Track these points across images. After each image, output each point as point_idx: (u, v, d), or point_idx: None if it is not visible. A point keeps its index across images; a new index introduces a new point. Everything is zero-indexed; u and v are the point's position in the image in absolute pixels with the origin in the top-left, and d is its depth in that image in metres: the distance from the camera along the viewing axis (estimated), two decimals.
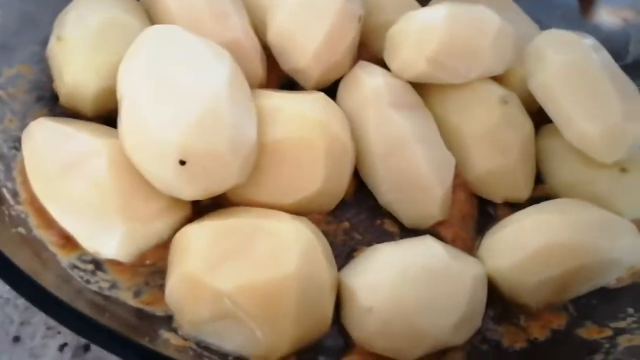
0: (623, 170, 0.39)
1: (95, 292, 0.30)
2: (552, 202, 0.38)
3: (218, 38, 0.37)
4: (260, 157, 0.34)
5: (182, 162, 0.30)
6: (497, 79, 0.42)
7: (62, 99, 0.37)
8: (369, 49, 0.44)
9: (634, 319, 0.35)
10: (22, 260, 0.27)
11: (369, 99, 0.38)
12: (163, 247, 0.33)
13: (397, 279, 0.32)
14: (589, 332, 0.36)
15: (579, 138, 0.39)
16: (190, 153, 0.29)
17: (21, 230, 0.30)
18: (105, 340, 0.25)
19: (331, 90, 0.40)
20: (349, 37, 0.40)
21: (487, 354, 0.35)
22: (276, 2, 0.40)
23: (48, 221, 0.32)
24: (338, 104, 0.39)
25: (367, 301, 0.32)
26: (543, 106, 0.40)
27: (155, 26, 0.35)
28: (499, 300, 0.36)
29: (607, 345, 0.34)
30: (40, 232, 0.31)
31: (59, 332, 0.33)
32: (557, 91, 0.39)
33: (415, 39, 0.39)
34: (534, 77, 0.41)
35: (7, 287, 0.33)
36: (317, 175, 0.34)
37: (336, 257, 0.34)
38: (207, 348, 0.30)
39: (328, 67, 0.40)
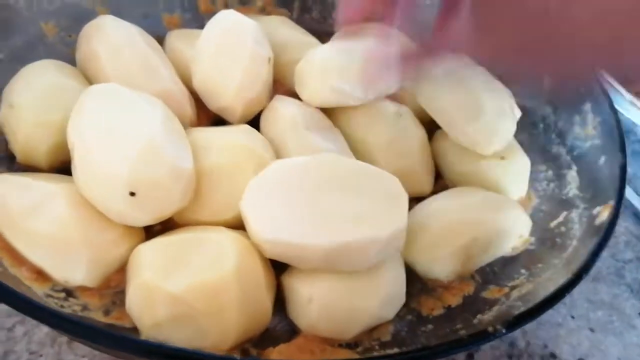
0: (502, 158, 0.47)
1: (70, 314, 0.34)
2: (446, 191, 0.46)
3: (149, 89, 0.42)
4: (198, 181, 0.39)
5: (132, 194, 0.35)
6: (393, 97, 0.49)
7: (19, 157, 0.41)
8: (283, 85, 0.51)
9: (524, 276, 0.42)
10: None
11: (287, 126, 0.44)
12: (123, 270, 0.38)
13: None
14: (491, 292, 0.42)
15: (462, 136, 0.46)
16: (138, 185, 0.35)
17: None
18: (92, 334, 0.29)
19: (254, 123, 0.46)
20: (262, 75, 0.46)
21: (411, 322, 0.41)
22: (197, 53, 0.46)
23: (19, 259, 0.35)
24: (262, 133, 0.45)
25: (307, 293, 0.37)
26: (431, 115, 0.48)
27: (95, 85, 0.40)
28: (417, 279, 0.43)
29: (503, 299, 0.40)
30: (15, 270, 0.35)
31: (40, 355, 0.37)
32: (440, 101, 0.47)
33: (317, 72, 0.45)
34: (420, 91, 0.48)
35: None
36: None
37: (274, 262, 0.38)
38: None
39: (249, 103, 0.45)
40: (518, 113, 0.48)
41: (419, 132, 0.48)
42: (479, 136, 0.46)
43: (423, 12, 0.45)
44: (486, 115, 0.46)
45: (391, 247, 0.37)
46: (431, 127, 0.50)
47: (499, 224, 0.43)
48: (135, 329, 0.35)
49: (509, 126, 0.47)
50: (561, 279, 0.37)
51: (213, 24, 0.46)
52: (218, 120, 0.48)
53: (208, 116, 0.48)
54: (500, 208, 0.43)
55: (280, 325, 0.39)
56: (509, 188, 0.47)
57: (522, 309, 0.35)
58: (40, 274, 0.36)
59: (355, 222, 0.36)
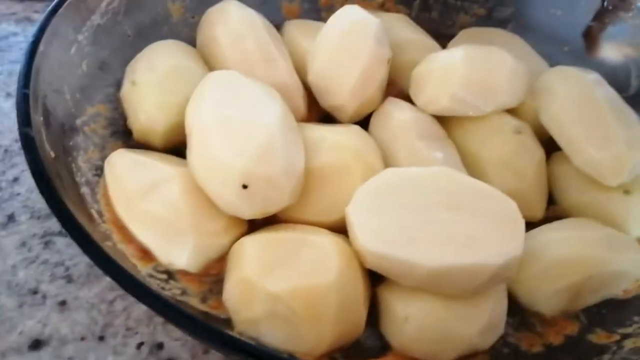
0: (627, 192, 0.43)
1: (170, 297, 0.35)
2: (563, 221, 0.42)
3: (267, 80, 0.42)
4: (306, 180, 0.38)
5: (245, 186, 0.35)
6: (511, 111, 0.46)
7: (136, 135, 0.43)
8: (396, 86, 0.49)
9: (639, 325, 0.39)
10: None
11: (399, 131, 0.43)
12: (223, 259, 0.38)
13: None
14: (598, 337, 0.39)
15: (586, 164, 0.43)
16: (252, 178, 0.35)
17: (109, 243, 0.35)
18: (187, 322, 0.30)
19: (363, 124, 0.45)
20: (380, 76, 0.45)
21: (508, 356, 0.38)
22: (315, 47, 0.46)
23: (128, 237, 0.36)
24: (371, 135, 0.43)
25: (404, 311, 0.36)
26: (553, 136, 0.45)
27: (217, 71, 0.40)
28: (517, 309, 0.40)
29: (614, 348, 0.37)
30: (123, 246, 0.36)
31: (136, 333, 0.38)
32: (565, 122, 0.44)
33: (437, 78, 0.44)
34: (544, 109, 0.45)
35: (92, 294, 0.39)
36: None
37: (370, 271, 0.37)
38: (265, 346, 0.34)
39: (362, 103, 0.44)
40: None
41: (538, 152, 0.45)
42: (605, 166, 0.42)
43: None
44: (616, 143, 0.42)
45: (502, 276, 0.35)
46: (550, 148, 0.46)
47: (617, 265, 0.39)
48: (229, 321, 0.36)
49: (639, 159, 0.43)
50: None
51: (336, 18, 0.45)
52: (326, 117, 0.47)
53: (317, 112, 0.47)
54: (622, 248, 0.40)
55: (371, 338, 0.38)
56: (630, 225, 0.43)
57: None
58: (146, 254, 0.37)
59: (467, 245, 0.34)
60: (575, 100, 0.45)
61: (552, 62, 0.54)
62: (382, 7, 0.58)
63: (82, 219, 0.33)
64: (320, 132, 0.41)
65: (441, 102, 0.44)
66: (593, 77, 0.47)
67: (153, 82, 0.42)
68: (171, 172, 0.37)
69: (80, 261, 0.41)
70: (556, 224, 0.42)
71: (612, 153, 0.42)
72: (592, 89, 0.45)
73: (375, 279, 0.38)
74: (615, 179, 0.42)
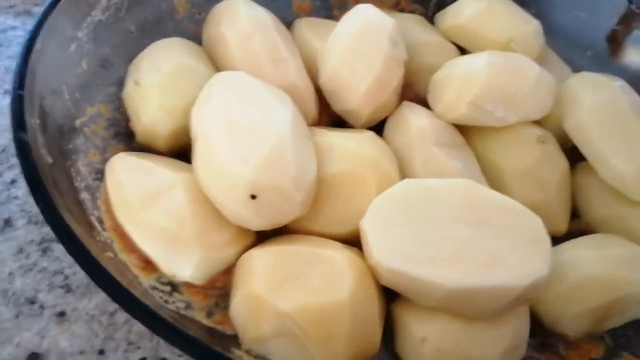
0: None
1: (173, 311, 0.33)
2: (589, 237, 0.40)
3: (276, 81, 0.40)
4: (317, 190, 0.36)
5: (253, 196, 0.33)
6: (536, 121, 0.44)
7: (139, 137, 0.41)
8: (412, 89, 0.47)
9: None
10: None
11: (415, 138, 0.41)
12: (230, 272, 0.36)
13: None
14: None
15: (612, 176, 0.41)
16: (260, 188, 0.33)
17: (109, 254, 0.33)
18: (189, 347, 0.28)
19: (377, 128, 0.43)
20: (395, 80, 0.42)
21: None
22: (326, 49, 0.43)
23: (130, 246, 0.34)
24: (385, 141, 0.41)
25: (421, 332, 0.33)
26: (578, 146, 0.43)
27: (223, 72, 0.38)
28: (539, 330, 0.38)
29: None
30: (124, 256, 0.34)
31: (138, 347, 0.36)
32: (591, 132, 0.42)
33: (458, 85, 0.42)
34: (569, 118, 0.43)
35: (92, 305, 0.37)
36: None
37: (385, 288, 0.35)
38: None
39: (376, 108, 0.42)
40: None
41: (562, 163, 0.43)
42: (631, 179, 0.40)
43: None
44: None
45: (526, 297, 0.33)
46: (573, 158, 0.44)
47: None
48: (235, 337, 0.34)
49: None
50: None
51: (349, 18, 0.43)
52: (337, 120, 0.45)
53: (329, 115, 0.45)
54: None
55: (385, 359, 0.36)
56: None
57: None
58: (149, 264, 0.35)
59: (490, 265, 0.32)
60: (601, 108, 0.43)
61: (574, 67, 0.52)
62: (397, 7, 0.56)
63: (80, 229, 0.31)
64: (332, 138, 0.39)
65: (460, 109, 0.42)
66: (619, 84, 0.45)
67: (157, 82, 0.40)
68: (175, 179, 0.35)
69: (80, 270, 0.38)
70: (582, 241, 0.40)
71: (638, 166, 0.40)
72: (619, 96, 0.43)
73: (389, 295, 0.36)
74: None
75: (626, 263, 0.37)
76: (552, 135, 0.44)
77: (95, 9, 0.41)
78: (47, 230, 0.41)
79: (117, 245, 0.35)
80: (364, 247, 0.34)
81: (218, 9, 0.45)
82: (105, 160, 0.38)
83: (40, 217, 0.41)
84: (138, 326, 0.36)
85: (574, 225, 0.44)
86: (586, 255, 0.37)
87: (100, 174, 0.38)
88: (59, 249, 0.41)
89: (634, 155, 0.40)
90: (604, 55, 0.55)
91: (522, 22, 0.49)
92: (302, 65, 0.44)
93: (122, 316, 0.37)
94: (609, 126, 0.42)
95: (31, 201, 0.42)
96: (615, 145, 0.41)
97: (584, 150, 0.42)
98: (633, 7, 0.52)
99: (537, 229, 0.33)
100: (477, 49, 0.48)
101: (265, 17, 0.44)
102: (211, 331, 0.34)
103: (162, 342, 0.36)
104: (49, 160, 0.33)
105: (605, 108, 0.42)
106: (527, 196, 0.41)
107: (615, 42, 0.54)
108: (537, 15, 0.51)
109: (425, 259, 0.32)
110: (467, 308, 0.33)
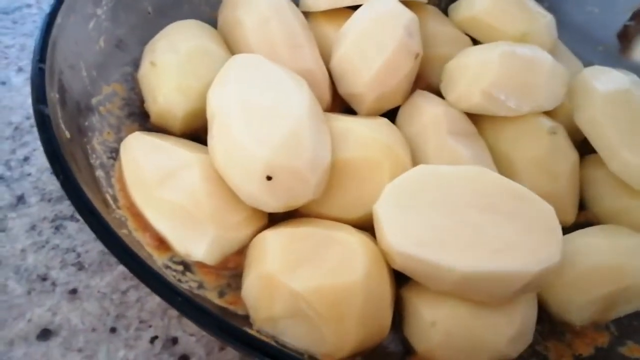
0: None
1: (186, 290, 0.33)
2: (597, 227, 0.41)
3: (293, 66, 0.40)
4: (331, 174, 0.36)
5: (269, 178, 0.33)
6: (547, 113, 0.44)
7: (153, 118, 0.41)
8: (424, 80, 0.47)
9: None
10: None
11: (429, 126, 0.41)
12: (242, 253, 0.36)
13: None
14: (630, 350, 0.37)
15: (622, 169, 0.41)
16: (276, 170, 0.33)
17: (124, 231, 0.33)
18: (205, 320, 0.28)
19: (390, 117, 0.43)
20: (404, 70, 0.42)
21: None
22: (341, 33, 0.44)
23: (144, 225, 0.35)
24: (399, 129, 0.41)
25: (431, 316, 0.34)
26: (588, 138, 0.43)
27: (241, 55, 0.38)
28: (546, 318, 0.39)
29: None
30: (138, 235, 0.34)
31: (150, 326, 0.36)
32: (602, 124, 0.42)
33: (472, 74, 0.42)
34: (580, 110, 0.43)
35: (104, 282, 0.38)
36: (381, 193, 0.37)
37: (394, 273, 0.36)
38: (284, 346, 0.33)
39: (381, 95, 0.42)
40: None
41: (572, 155, 0.43)
42: None
43: None
44: None
45: (537, 284, 0.33)
46: (583, 150, 0.44)
47: None
48: (247, 317, 0.34)
49: None
50: None
51: (367, 6, 0.43)
52: (350, 109, 0.45)
53: (342, 102, 0.45)
54: None
55: (394, 342, 0.36)
56: None
57: None
58: (162, 243, 0.35)
59: (503, 251, 0.32)
60: (612, 102, 0.43)
61: (585, 62, 0.52)
62: None
63: (97, 204, 0.32)
64: (347, 123, 0.39)
65: (474, 99, 0.42)
66: (631, 78, 0.45)
67: (174, 63, 0.40)
68: (191, 158, 0.35)
69: (92, 248, 0.39)
70: (591, 230, 0.40)
71: None
72: (631, 91, 0.43)
73: (399, 279, 0.36)
74: None
75: (634, 253, 0.37)
76: (563, 127, 0.44)
77: None
78: (60, 208, 0.42)
79: (130, 224, 0.35)
80: (377, 231, 0.34)
81: None
82: (119, 140, 0.38)
83: (54, 195, 0.42)
84: (150, 304, 0.37)
85: (581, 217, 0.44)
86: (594, 244, 0.38)
87: (114, 153, 0.38)
88: (71, 226, 0.41)
89: None
90: (614, 52, 0.55)
91: (535, 16, 0.49)
92: (317, 52, 0.44)
93: (133, 294, 0.37)
94: (620, 120, 0.42)
95: (44, 178, 0.43)
96: (625, 138, 0.41)
97: (595, 142, 0.42)
98: None
99: (548, 217, 0.34)
100: (490, 42, 0.48)
101: (282, 2, 0.44)
102: (223, 311, 0.34)
103: (174, 321, 0.36)
104: (67, 135, 0.33)
105: (618, 101, 0.42)
106: (537, 186, 0.40)
107: (626, 38, 0.54)
108: (549, 9, 0.51)
109: (438, 243, 0.32)
110: (478, 293, 0.33)
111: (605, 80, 0.44)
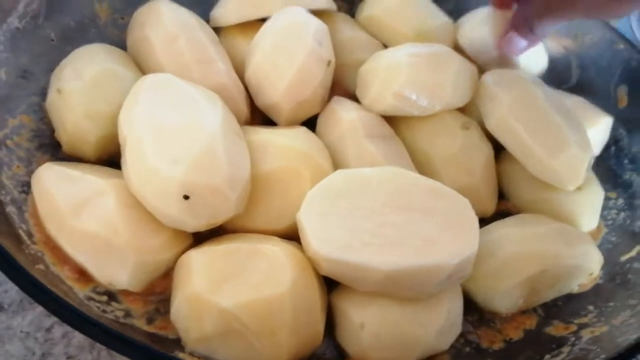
0: (578, 188, 0.43)
1: (112, 320, 0.32)
2: (515, 217, 0.42)
3: (205, 82, 0.40)
4: (253, 187, 0.36)
5: (186, 197, 0.32)
6: (459, 107, 0.45)
7: (65, 147, 0.39)
8: (341, 86, 0.48)
9: (594, 314, 0.39)
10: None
11: (346, 132, 0.41)
12: (169, 276, 0.35)
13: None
14: (556, 329, 0.39)
15: (542, 171, 0.42)
16: (193, 188, 0.32)
17: (40, 267, 0.32)
18: (132, 351, 0.27)
19: (309, 125, 0.43)
20: (317, 78, 0.42)
21: (469, 355, 0.38)
22: (253, 44, 0.44)
23: (63, 258, 0.33)
24: (318, 137, 0.42)
25: (359, 318, 0.34)
26: (502, 143, 0.44)
27: (150, 75, 0.38)
28: (475, 308, 0.40)
29: (572, 339, 0.37)
30: (56, 269, 0.33)
31: None
32: (512, 128, 0.42)
33: (382, 77, 0.43)
34: (489, 117, 0.44)
35: (26, 322, 0.36)
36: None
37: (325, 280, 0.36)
38: None
39: (297, 104, 0.42)
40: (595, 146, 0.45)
41: (486, 148, 0.45)
42: (562, 172, 0.42)
43: None
44: (570, 148, 0.41)
45: (458, 275, 0.34)
46: (498, 144, 0.46)
47: (570, 259, 0.39)
48: (178, 341, 0.33)
49: (590, 159, 0.43)
50: None
51: (277, 17, 0.43)
52: (270, 120, 0.45)
53: (262, 114, 0.45)
54: (574, 242, 0.40)
55: (329, 349, 0.36)
56: (581, 220, 0.44)
57: (603, 356, 0.32)
58: (83, 275, 0.34)
59: (422, 247, 0.33)
60: (518, 105, 0.43)
61: None
62: None
63: (7, 242, 0.30)
64: (265, 135, 0.39)
65: (386, 101, 0.43)
66: (531, 78, 0.46)
67: (80, 89, 0.39)
68: (105, 185, 0.34)
69: (11, 288, 0.37)
70: (509, 220, 0.42)
71: (566, 158, 0.41)
72: (534, 91, 0.44)
73: (330, 286, 0.37)
74: (573, 183, 0.42)
75: (552, 238, 0.39)
76: (476, 123, 0.46)
77: (11, 15, 0.40)
78: None
79: (48, 258, 0.34)
80: (302, 239, 0.34)
81: (141, 12, 0.45)
82: (30, 173, 0.37)
83: None
84: (77, 339, 0.35)
85: (502, 206, 0.46)
86: (512, 234, 0.39)
87: (26, 187, 0.37)
88: None
89: (559, 148, 0.41)
90: None
91: (432, 18, 0.51)
92: (230, 66, 0.44)
93: (59, 330, 0.36)
94: (530, 120, 0.43)
95: None
96: (540, 140, 0.42)
97: (510, 147, 0.43)
98: None
99: (464, 210, 0.35)
100: (388, 41, 0.50)
101: (189, 19, 0.44)
102: (153, 337, 0.33)
103: (103, 352, 0.35)
104: None
105: (524, 104, 0.43)
106: (455, 180, 0.42)
107: None
108: (452, 11, 0.53)
109: (362, 245, 0.33)
110: (403, 290, 0.34)
111: (507, 84, 0.45)
